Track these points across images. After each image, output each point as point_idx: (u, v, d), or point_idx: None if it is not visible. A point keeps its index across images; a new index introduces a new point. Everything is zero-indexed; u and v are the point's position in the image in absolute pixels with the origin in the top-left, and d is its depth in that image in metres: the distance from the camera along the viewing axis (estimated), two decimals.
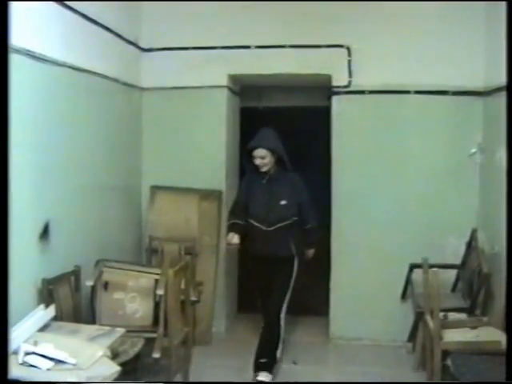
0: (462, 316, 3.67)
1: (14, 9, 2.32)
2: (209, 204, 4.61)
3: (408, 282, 4.30)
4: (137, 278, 3.51)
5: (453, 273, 4.26)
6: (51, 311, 2.88)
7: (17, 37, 2.60)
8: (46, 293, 2.99)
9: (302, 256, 3.92)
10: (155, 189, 4.66)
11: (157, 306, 3.42)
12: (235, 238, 3.78)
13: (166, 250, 4.35)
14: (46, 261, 3.07)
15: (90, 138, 3.71)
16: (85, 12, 3.50)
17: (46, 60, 3.07)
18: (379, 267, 4.47)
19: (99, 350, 2.56)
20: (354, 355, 4.32)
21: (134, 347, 3.12)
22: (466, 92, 4.33)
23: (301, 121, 6.31)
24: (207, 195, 4.61)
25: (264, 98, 6.06)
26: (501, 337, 3.12)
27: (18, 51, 2.74)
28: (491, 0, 4.05)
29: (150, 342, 3.29)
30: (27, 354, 2.41)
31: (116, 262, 3.60)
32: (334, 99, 4.54)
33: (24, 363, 2.38)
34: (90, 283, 3.38)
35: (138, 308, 3.46)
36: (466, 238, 4.17)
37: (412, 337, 4.22)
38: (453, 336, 3.28)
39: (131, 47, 4.43)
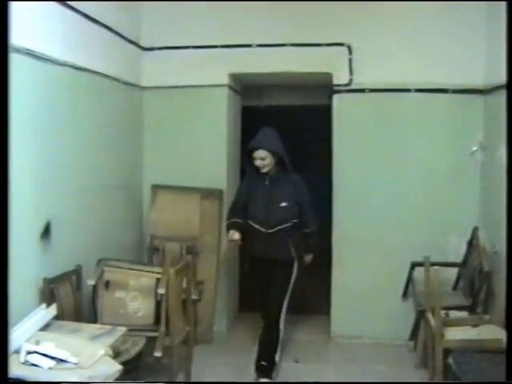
0: (464, 314, 3.67)
1: (15, 8, 2.31)
2: (210, 203, 4.60)
3: (409, 280, 4.30)
4: (138, 277, 3.51)
5: (454, 271, 4.27)
6: (52, 310, 2.88)
7: (17, 36, 2.59)
8: (48, 292, 2.99)
9: (301, 260, 3.89)
10: (156, 188, 4.66)
11: (158, 305, 3.43)
12: (236, 235, 3.73)
13: (167, 249, 4.34)
14: (47, 260, 3.08)
15: (91, 137, 3.71)
16: (85, 11, 3.50)
17: (47, 59, 3.07)
18: (380, 265, 4.46)
19: (101, 349, 2.56)
20: (355, 354, 4.31)
21: (135, 346, 3.12)
22: (466, 90, 4.32)
23: (302, 119, 6.32)
24: (208, 194, 4.61)
25: (265, 96, 6.06)
26: (502, 335, 3.10)
27: (19, 50, 2.74)
28: (491, 0, 4.05)
29: (151, 341, 3.31)
30: (29, 353, 2.41)
31: (117, 261, 3.61)
32: (335, 97, 4.53)
33: (26, 362, 2.38)
34: (91, 282, 3.39)
35: (140, 307, 3.46)
36: (467, 237, 4.17)
37: (413, 335, 4.22)
38: (454, 334, 3.28)
39: (132, 46, 4.43)
